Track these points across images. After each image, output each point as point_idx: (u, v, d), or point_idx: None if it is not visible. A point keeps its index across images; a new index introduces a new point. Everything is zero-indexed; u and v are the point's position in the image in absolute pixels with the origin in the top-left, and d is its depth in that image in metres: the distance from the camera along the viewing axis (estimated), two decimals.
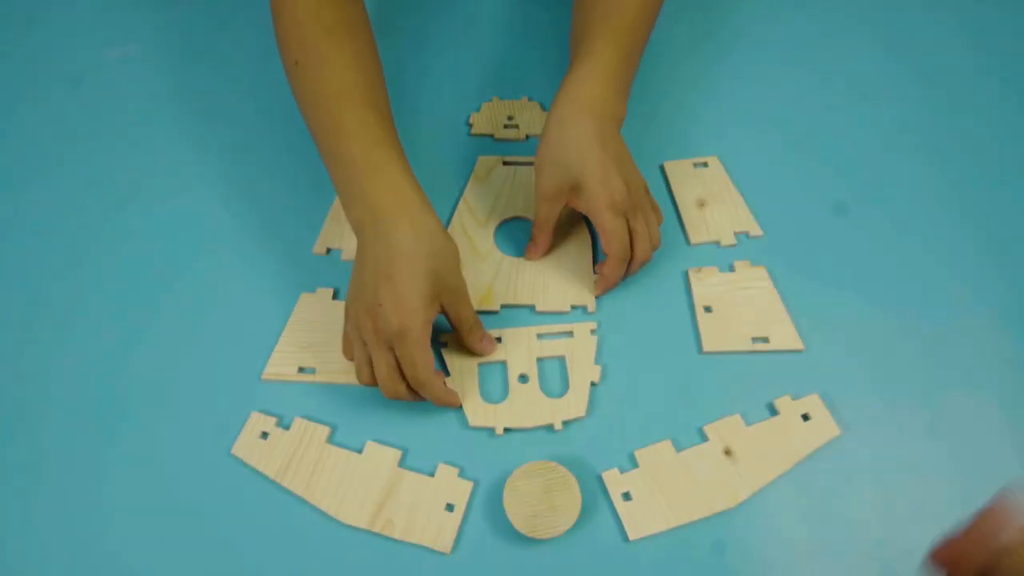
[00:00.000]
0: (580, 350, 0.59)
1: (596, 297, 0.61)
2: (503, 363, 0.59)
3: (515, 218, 0.65)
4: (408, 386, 0.53)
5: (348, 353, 0.55)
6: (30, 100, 0.74)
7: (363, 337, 0.52)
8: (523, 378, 0.58)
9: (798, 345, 0.59)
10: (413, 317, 0.50)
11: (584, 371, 0.58)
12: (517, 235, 0.65)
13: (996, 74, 0.74)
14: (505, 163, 0.68)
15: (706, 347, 0.59)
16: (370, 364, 0.53)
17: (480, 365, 0.58)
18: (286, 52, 0.59)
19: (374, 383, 0.53)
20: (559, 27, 0.78)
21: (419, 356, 0.51)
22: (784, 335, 0.60)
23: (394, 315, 0.50)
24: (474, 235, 0.64)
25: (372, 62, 0.59)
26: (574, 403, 0.57)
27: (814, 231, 0.65)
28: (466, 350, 0.58)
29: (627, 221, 0.57)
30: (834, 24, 0.78)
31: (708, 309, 0.61)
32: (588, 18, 0.60)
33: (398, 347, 0.51)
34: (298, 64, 0.57)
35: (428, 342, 0.52)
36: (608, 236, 0.56)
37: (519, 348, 0.59)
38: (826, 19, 0.79)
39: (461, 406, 0.56)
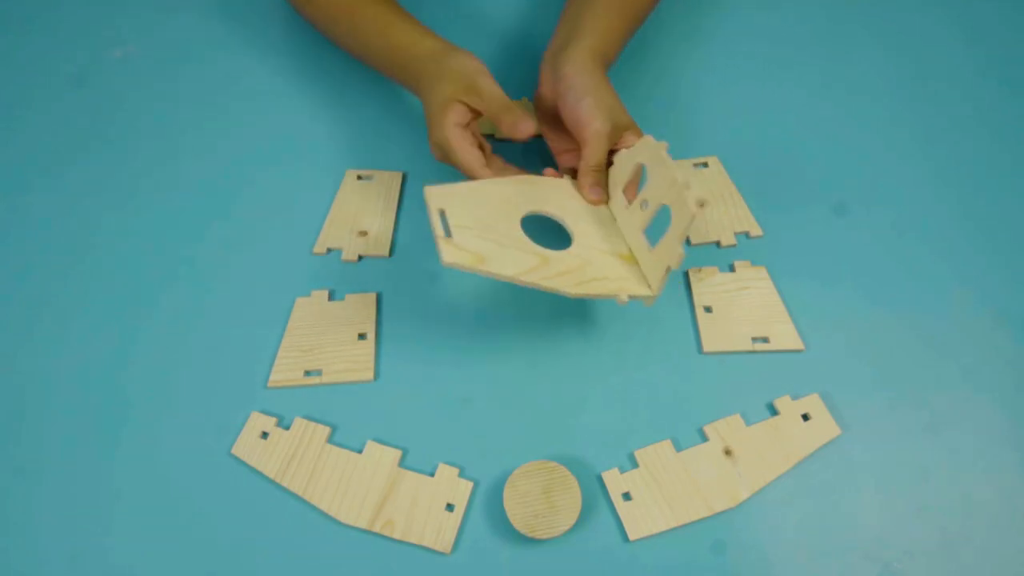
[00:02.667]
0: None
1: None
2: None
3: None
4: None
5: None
6: (31, 100, 0.74)
7: (439, 159, 0.61)
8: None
9: (798, 345, 0.59)
10: (437, 130, 0.58)
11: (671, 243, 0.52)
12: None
13: (995, 73, 0.74)
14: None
15: (706, 347, 0.59)
16: None
17: None
18: None
19: None
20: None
21: (455, 160, 0.58)
22: (784, 335, 0.60)
23: (430, 136, 0.59)
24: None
25: None
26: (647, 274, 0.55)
27: (814, 231, 0.65)
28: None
29: None
30: (834, 24, 0.78)
31: (708, 309, 0.61)
32: None
33: (447, 158, 0.59)
34: None
35: (460, 143, 0.57)
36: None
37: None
38: (826, 19, 0.79)
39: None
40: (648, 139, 0.54)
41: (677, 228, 0.52)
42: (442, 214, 0.52)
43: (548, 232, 0.56)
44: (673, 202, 0.52)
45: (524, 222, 0.55)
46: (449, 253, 0.50)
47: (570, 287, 0.52)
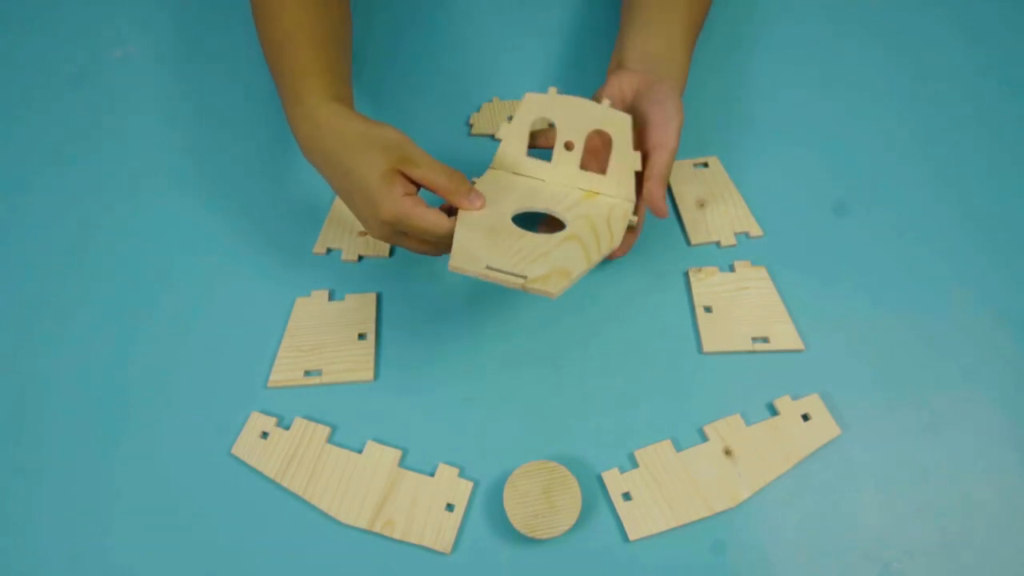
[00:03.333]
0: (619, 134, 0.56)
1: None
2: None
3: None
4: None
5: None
6: (30, 100, 0.74)
7: (382, 239, 0.56)
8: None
9: (798, 345, 0.59)
10: (385, 206, 0.52)
11: (625, 157, 0.56)
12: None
13: (995, 73, 0.74)
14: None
15: (706, 347, 0.59)
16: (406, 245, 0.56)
17: None
18: None
19: (433, 252, 0.57)
20: (559, 27, 0.78)
21: (419, 228, 0.52)
22: (784, 335, 0.60)
23: (374, 214, 0.53)
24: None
25: (321, 4, 0.61)
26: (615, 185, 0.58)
27: (814, 231, 0.65)
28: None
29: None
30: (834, 24, 0.78)
31: (708, 309, 0.61)
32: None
33: (403, 230, 0.53)
34: (255, 7, 0.62)
35: (419, 211, 0.52)
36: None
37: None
38: (826, 19, 0.79)
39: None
40: (529, 96, 0.57)
41: (621, 139, 0.56)
42: (490, 267, 0.50)
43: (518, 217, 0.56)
44: (600, 121, 0.56)
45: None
46: (551, 284, 0.49)
47: (612, 238, 0.54)
